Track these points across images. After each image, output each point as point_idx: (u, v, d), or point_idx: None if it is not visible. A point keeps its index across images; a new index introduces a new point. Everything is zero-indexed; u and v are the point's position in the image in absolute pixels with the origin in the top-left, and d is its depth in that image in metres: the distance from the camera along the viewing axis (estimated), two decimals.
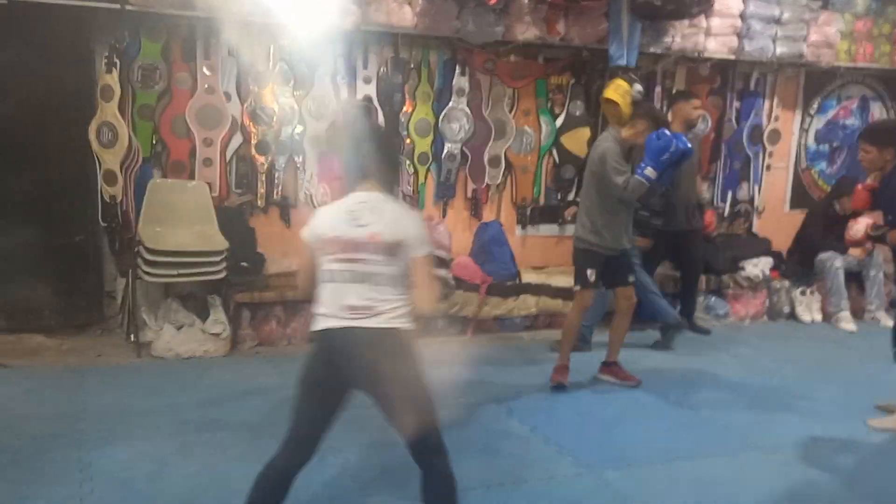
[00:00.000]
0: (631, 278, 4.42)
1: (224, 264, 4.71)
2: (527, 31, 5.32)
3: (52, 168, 4.76)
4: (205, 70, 4.87)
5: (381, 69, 5.33)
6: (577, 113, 5.90)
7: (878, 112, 7.06)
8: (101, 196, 4.70)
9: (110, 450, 3.39)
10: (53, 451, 3.36)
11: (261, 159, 5.10)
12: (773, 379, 4.75)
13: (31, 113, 4.61)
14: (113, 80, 4.56)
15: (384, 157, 2.64)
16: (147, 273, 4.58)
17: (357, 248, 2.47)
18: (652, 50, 5.74)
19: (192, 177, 4.98)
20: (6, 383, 4.09)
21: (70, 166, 4.79)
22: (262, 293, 4.88)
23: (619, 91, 4.60)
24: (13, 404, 3.84)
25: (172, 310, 4.85)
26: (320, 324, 2.50)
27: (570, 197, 6.05)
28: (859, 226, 4.29)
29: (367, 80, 5.29)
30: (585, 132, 5.92)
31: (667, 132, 4.07)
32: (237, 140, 5.06)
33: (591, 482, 3.29)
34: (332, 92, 5.19)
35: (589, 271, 4.28)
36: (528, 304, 5.53)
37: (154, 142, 4.88)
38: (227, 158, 5.06)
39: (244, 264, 4.97)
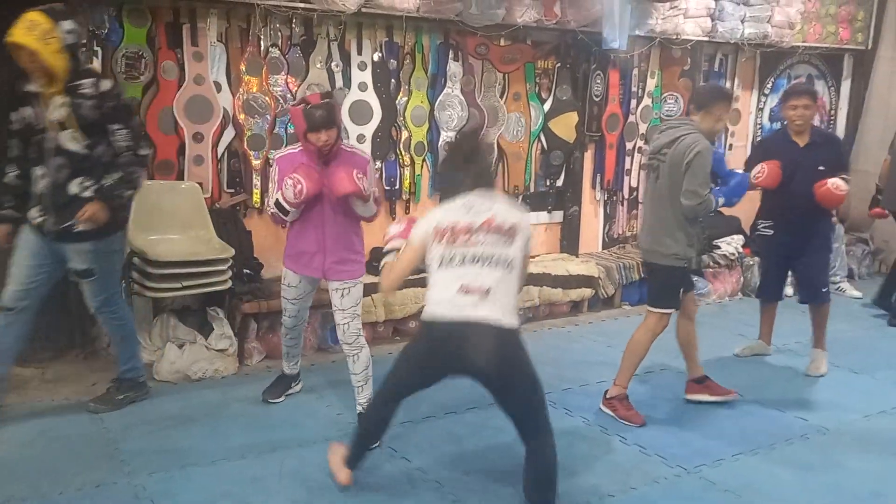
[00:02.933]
0: (696, 279, 4.28)
1: (230, 273, 4.29)
2: (525, 14, 5.15)
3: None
4: (192, 58, 4.37)
5: (376, 54, 4.99)
6: (564, 98, 5.79)
7: (821, 89, 7.39)
8: None
9: (180, 494, 3.00)
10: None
11: (253, 155, 4.66)
12: (793, 356, 4.87)
13: None
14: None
15: (489, 167, 3.09)
16: (147, 287, 4.08)
17: (473, 231, 2.68)
18: (637, 33, 5.71)
19: (180, 177, 4.48)
20: (10, 426, 3.52)
21: None
22: (269, 302, 4.47)
23: (35, 32, 3.08)
24: (35, 451, 3.32)
25: (170, 327, 4.37)
26: (435, 310, 2.67)
27: (559, 183, 5.97)
28: (841, 181, 4.24)
29: (361, 67, 4.95)
30: (573, 117, 5.83)
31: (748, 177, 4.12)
32: (229, 134, 4.60)
33: (696, 482, 3.23)
34: (327, 79, 4.82)
35: (681, 291, 3.86)
36: (531, 296, 5.40)
37: None
38: (219, 155, 4.59)
39: (247, 271, 4.55)
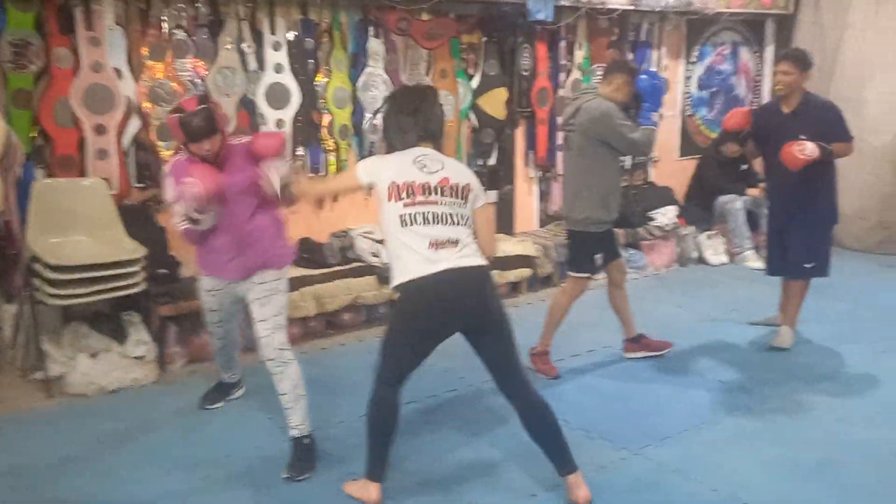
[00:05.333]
0: (619, 249, 4.25)
1: (143, 274, 3.99)
2: None
3: None
4: (88, 43, 4.02)
5: (291, 34, 4.71)
6: (492, 73, 5.61)
7: (746, 56, 7.41)
8: None
9: None
10: None
11: (163, 146, 4.35)
12: (733, 327, 4.84)
13: None
14: None
15: (439, 119, 2.88)
16: (51, 295, 3.76)
17: (431, 190, 2.66)
18: (563, 3, 5.57)
19: (83, 173, 4.14)
20: None
21: None
22: (188, 302, 4.17)
23: None
24: None
25: (81, 335, 4.05)
26: (410, 273, 2.61)
27: (491, 162, 5.80)
28: (811, 145, 4.02)
29: (276, 47, 4.66)
30: (502, 93, 5.66)
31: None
32: (134, 125, 4.27)
33: (643, 464, 3.13)
34: (239, 62, 4.52)
35: (597, 256, 3.99)
36: None
37: (34, 134, 3.99)
38: (125, 148, 4.27)
39: (163, 271, 4.25)
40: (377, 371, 2.77)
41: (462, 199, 2.70)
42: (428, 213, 2.63)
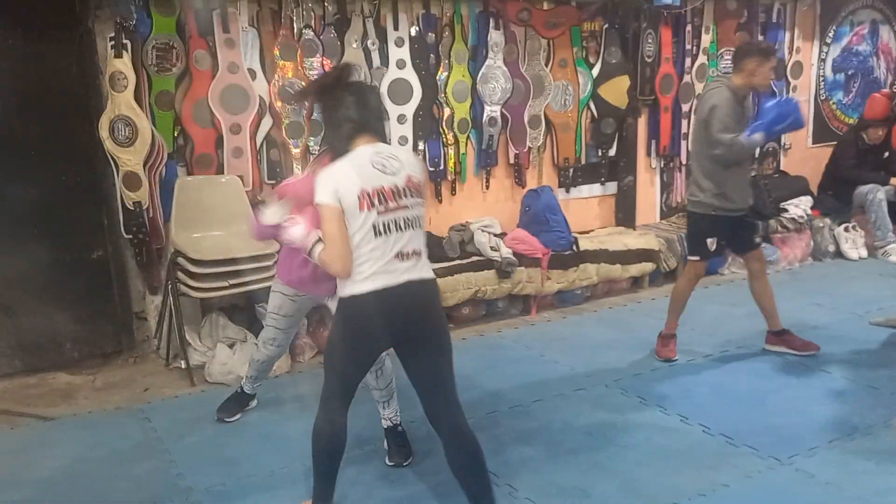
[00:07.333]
0: (758, 239, 4.10)
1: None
2: None
3: (58, 175, 4.00)
4: (224, 45, 4.17)
5: (413, 28, 4.73)
6: (614, 61, 5.46)
7: (886, 35, 6.91)
8: (123, 203, 3.98)
9: None
10: None
11: (292, 143, 4.46)
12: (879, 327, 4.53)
13: (24, 111, 3.86)
14: (125, 65, 3.81)
15: (381, 111, 2.60)
16: (192, 288, 3.94)
17: (400, 194, 2.42)
18: None
19: (220, 171, 4.31)
20: (61, 440, 3.41)
21: (79, 171, 4.04)
22: None
23: None
24: (87, 466, 3.19)
25: (219, 326, 4.23)
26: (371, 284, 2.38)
27: (612, 153, 5.65)
28: None
29: (398, 43, 4.69)
30: (624, 81, 5.50)
31: (793, 100, 3.77)
32: (266, 124, 4.41)
33: (791, 475, 2.96)
34: (364, 59, 4.58)
35: (710, 240, 3.93)
36: (588, 274, 5.14)
37: (175, 134, 4.18)
38: (258, 146, 4.40)
39: None
40: (323, 390, 2.55)
41: (421, 195, 2.49)
42: (400, 219, 2.41)
